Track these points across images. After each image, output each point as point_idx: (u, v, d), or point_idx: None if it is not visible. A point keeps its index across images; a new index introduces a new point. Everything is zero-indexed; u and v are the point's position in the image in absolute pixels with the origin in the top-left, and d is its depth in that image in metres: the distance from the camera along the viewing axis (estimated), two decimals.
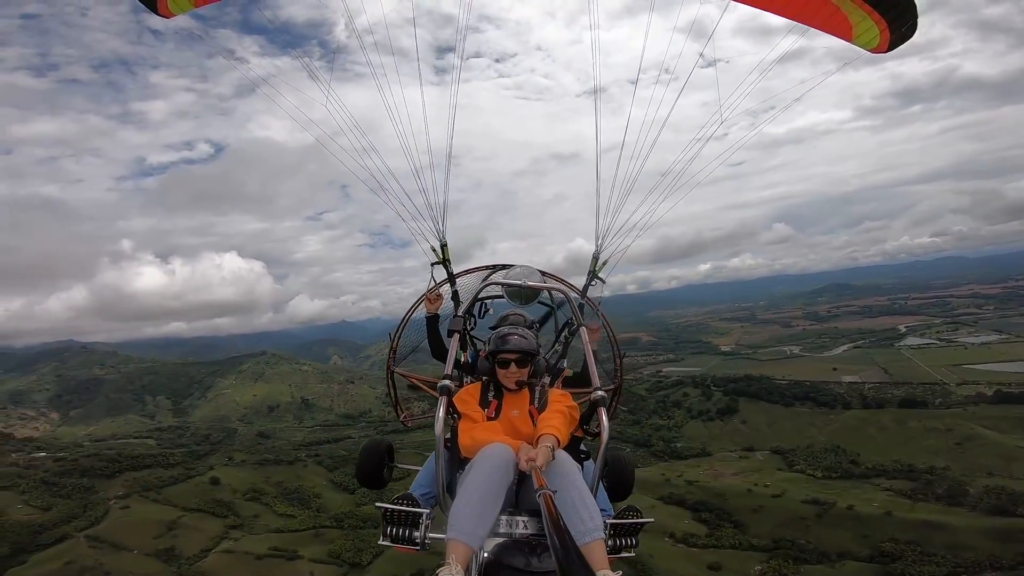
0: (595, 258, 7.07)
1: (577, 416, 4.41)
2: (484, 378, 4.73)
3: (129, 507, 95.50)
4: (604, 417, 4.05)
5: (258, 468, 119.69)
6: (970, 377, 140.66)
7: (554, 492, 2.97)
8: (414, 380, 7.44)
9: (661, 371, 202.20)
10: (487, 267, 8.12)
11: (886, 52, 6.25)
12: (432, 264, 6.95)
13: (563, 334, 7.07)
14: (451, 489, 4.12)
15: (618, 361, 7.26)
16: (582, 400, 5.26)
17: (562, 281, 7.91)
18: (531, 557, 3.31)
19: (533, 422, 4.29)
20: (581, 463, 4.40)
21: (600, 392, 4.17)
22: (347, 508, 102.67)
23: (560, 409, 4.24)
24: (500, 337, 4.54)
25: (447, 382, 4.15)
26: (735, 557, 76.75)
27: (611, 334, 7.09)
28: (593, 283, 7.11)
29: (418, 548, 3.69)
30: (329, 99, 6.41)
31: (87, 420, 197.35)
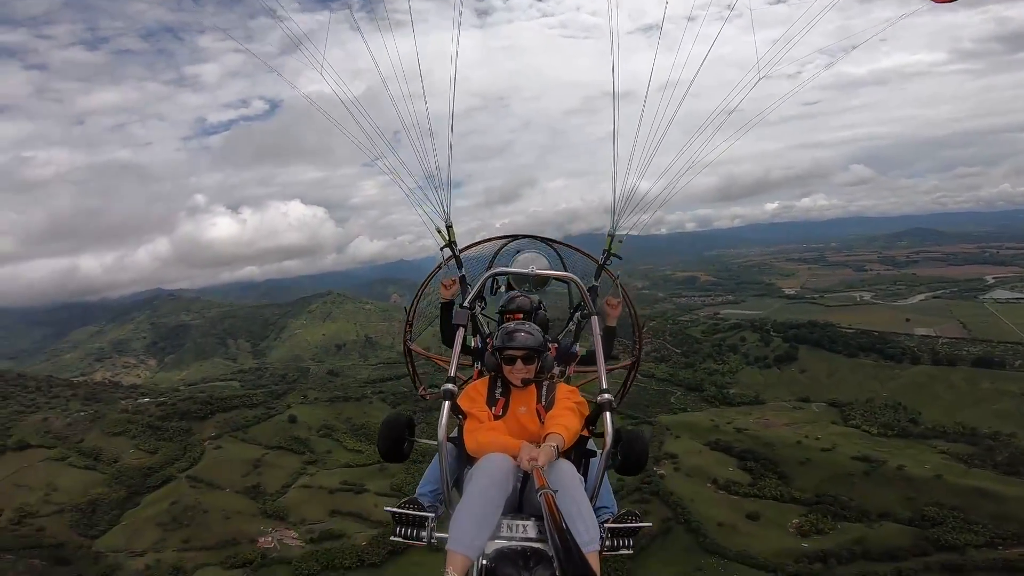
0: (610, 236, 6.55)
1: (586, 412, 4.36)
2: (491, 373, 4.76)
3: (221, 447, 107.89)
4: (609, 422, 4.04)
5: (330, 405, 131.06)
6: None
7: (555, 492, 3.05)
8: (428, 356, 7.56)
9: (718, 313, 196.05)
10: (498, 238, 7.97)
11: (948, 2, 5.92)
12: (441, 248, 6.70)
13: (575, 316, 6.83)
14: (459, 485, 4.29)
15: (638, 335, 7.07)
16: (589, 379, 5.22)
17: (578, 250, 7.76)
18: (524, 571, 3.38)
19: (540, 420, 4.32)
20: (588, 460, 4.46)
21: (607, 396, 4.13)
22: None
23: (568, 407, 4.26)
24: (506, 333, 4.52)
25: (450, 386, 4.16)
26: (775, 508, 77.79)
27: (631, 307, 6.86)
28: (608, 262, 6.67)
29: (425, 545, 3.93)
30: (325, 67, 5.93)
31: (180, 365, 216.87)
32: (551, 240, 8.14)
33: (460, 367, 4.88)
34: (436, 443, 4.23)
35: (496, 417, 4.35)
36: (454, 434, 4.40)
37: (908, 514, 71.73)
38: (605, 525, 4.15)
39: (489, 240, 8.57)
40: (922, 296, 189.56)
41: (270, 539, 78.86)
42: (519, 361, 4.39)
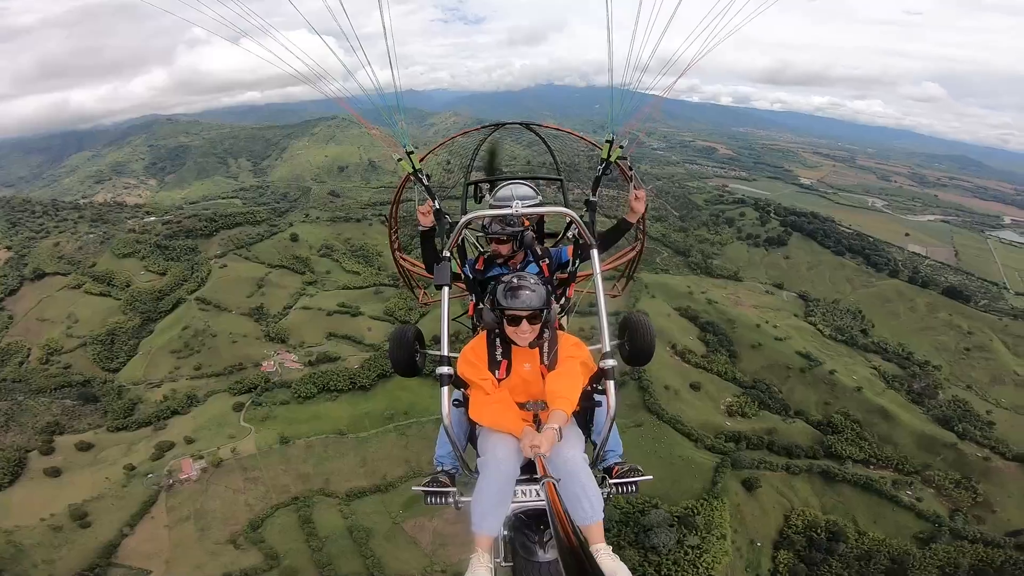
0: (608, 142, 5.45)
1: (591, 363, 4.22)
2: (489, 328, 4.37)
3: (226, 266, 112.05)
4: (612, 389, 4.02)
5: (331, 225, 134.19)
6: None
7: (557, 480, 3.15)
8: (412, 272, 7.38)
9: (727, 186, 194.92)
10: (471, 130, 7.41)
11: None
12: (408, 174, 5.90)
13: (569, 233, 6.40)
14: (473, 441, 4.36)
15: (642, 224, 6.46)
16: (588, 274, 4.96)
17: (573, 134, 7.29)
18: (538, 548, 3.77)
19: (544, 379, 4.17)
20: (592, 412, 4.37)
21: (610, 362, 4.04)
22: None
23: (571, 368, 4.08)
24: (509, 289, 4.11)
25: (446, 369, 4.12)
26: (716, 383, 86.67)
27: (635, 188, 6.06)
28: (607, 173, 5.64)
29: (454, 508, 4.13)
30: None
31: (181, 184, 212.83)
32: (536, 125, 7.19)
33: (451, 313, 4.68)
34: (446, 355, 4.23)
35: (499, 380, 4.21)
36: (458, 396, 4.31)
37: (819, 417, 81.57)
38: (610, 480, 4.28)
39: (459, 135, 7.86)
40: (932, 216, 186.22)
41: (272, 363, 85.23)
42: (524, 322, 4.07)
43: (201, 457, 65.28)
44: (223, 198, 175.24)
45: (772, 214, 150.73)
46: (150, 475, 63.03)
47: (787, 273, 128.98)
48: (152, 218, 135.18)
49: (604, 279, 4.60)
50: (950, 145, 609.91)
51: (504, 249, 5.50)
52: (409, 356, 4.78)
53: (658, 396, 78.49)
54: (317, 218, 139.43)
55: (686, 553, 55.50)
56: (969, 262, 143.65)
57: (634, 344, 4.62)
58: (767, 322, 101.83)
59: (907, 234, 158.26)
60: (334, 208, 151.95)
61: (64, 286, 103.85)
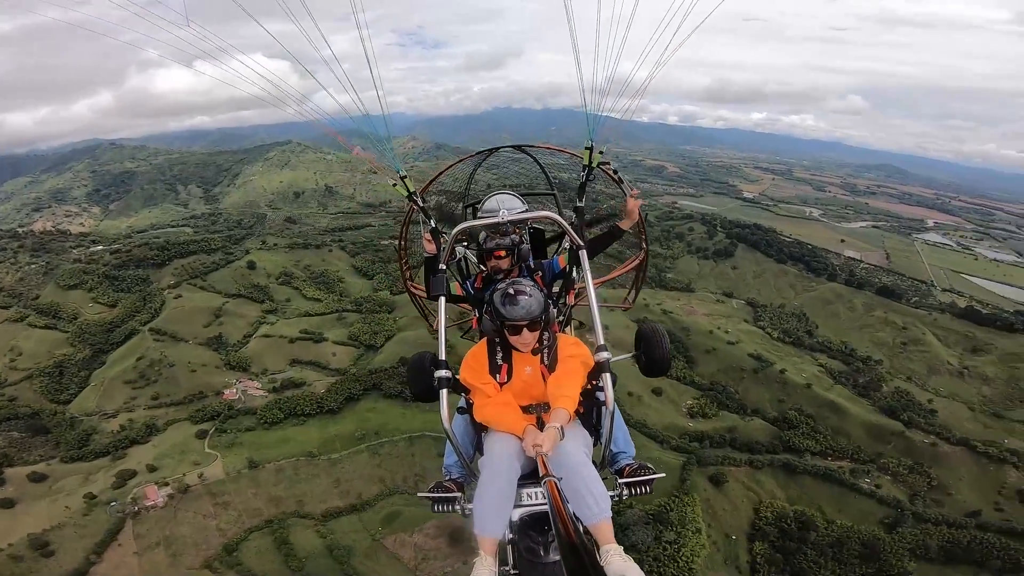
0: (588, 149, 5.62)
1: (591, 363, 4.20)
2: (490, 335, 4.40)
3: (181, 296, 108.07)
4: (609, 383, 3.98)
5: (289, 252, 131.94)
6: (959, 286, 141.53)
7: (559, 479, 3.14)
8: (421, 301, 7.29)
9: (676, 203, 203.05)
10: (468, 157, 7.58)
11: None
12: (405, 198, 6.02)
13: (563, 244, 6.49)
14: (480, 447, 4.37)
15: (643, 231, 6.64)
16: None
17: (556, 149, 7.55)
18: (543, 549, 3.70)
19: (545, 380, 4.21)
20: (598, 409, 4.31)
21: (604, 355, 4.00)
22: (366, 293, 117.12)
23: (572, 367, 4.16)
24: (505, 297, 4.16)
25: (444, 372, 4.10)
26: (677, 388, 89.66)
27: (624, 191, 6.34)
28: (591, 179, 5.87)
29: (461, 515, 4.09)
30: None
31: (127, 212, 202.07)
32: (526, 146, 7.54)
33: (455, 326, 4.74)
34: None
35: (502, 384, 4.24)
36: (462, 403, 4.36)
37: (774, 414, 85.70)
38: (620, 480, 4.17)
39: (456, 163, 7.92)
40: (864, 223, 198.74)
41: (235, 391, 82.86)
42: (525, 330, 4.14)
43: (167, 484, 63.02)
44: (173, 226, 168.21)
45: (719, 228, 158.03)
46: (113, 503, 60.37)
47: (735, 282, 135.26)
48: (99, 247, 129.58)
49: (613, 286, 4.45)
50: (876, 155, 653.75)
51: (504, 263, 5.54)
52: (428, 381, 4.57)
53: (623, 402, 79.71)
54: (275, 245, 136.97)
55: (664, 549, 57.21)
56: (899, 263, 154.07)
57: (650, 355, 4.57)
58: (719, 328, 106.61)
59: (842, 240, 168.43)
60: (291, 235, 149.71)
61: (5, 319, 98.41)
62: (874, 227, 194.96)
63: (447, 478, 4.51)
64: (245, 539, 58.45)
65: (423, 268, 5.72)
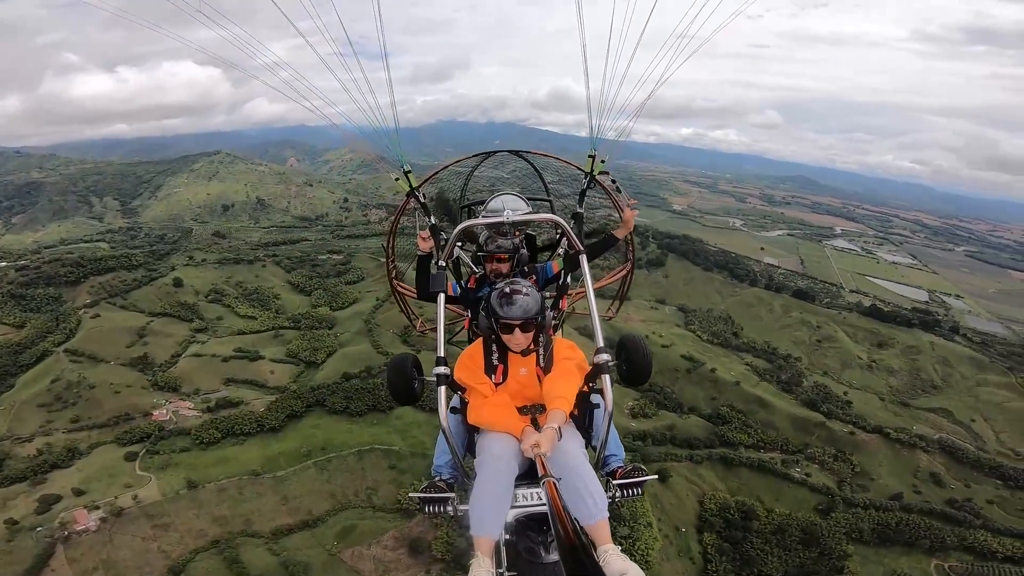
0: (591, 157, 6.03)
1: (586, 366, 4.28)
2: (485, 334, 4.44)
3: (99, 315, 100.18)
4: (608, 384, 4.03)
5: (219, 268, 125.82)
6: (864, 287, 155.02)
7: (558, 479, 3.11)
8: (414, 296, 6.88)
9: (611, 215, 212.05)
10: (466, 157, 7.60)
11: None
12: (407, 194, 6.05)
13: (558, 250, 6.55)
14: (472, 449, 4.38)
15: (630, 241, 6.84)
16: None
17: (556, 158, 7.61)
18: (542, 550, 3.73)
19: (540, 382, 4.24)
20: (591, 415, 4.38)
21: (604, 356, 4.02)
22: (304, 309, 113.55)
23: (567, 369, 4.21)
24: (502, 296, 4.19)
25: (442, 369, 4.10)
26: (618, 391, 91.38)
27: (619, 211, 6.40)
28: (592, 186, 6.25)
29: (452, 517, 4.11)
30: None
31: (32, 226, 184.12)
32: (526, 152, 7.58)
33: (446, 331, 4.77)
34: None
35: (497, 384, 4.27)
36: (456, 403, 4.34)
37: (708, 411, 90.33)
38: (614, 482, 4.23)
39: (453, 163, 7.87)
40: (780, 232, 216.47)
41: (165, 411, 78.32)
42: (517, 330, 4.14)
43: (97, 507, 58.65)
44: (87, 241, 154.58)
45: (651, 239, 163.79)
46: (39, 528, 55.64)
47: (667, 290, 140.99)
48: (2, 263, 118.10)
49: (597, 297, 4.77)
50: (791, 167, 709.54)
51: (504, 267, 5.61)
52: (408, 383, 4.66)
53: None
54: (203, 261, 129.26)
55: (620, 544, 58.86)
56: (812, 268, 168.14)
57: (632, 364, 4.60)
58: (654, 332, 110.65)
59: (762, 248, 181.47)
60: (221, 250, 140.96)
61: None
62: (789, 235, 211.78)
63: (437, 478, 4.48)
64: (192, 560, 55.27)
65: (417, 266, 5.53)
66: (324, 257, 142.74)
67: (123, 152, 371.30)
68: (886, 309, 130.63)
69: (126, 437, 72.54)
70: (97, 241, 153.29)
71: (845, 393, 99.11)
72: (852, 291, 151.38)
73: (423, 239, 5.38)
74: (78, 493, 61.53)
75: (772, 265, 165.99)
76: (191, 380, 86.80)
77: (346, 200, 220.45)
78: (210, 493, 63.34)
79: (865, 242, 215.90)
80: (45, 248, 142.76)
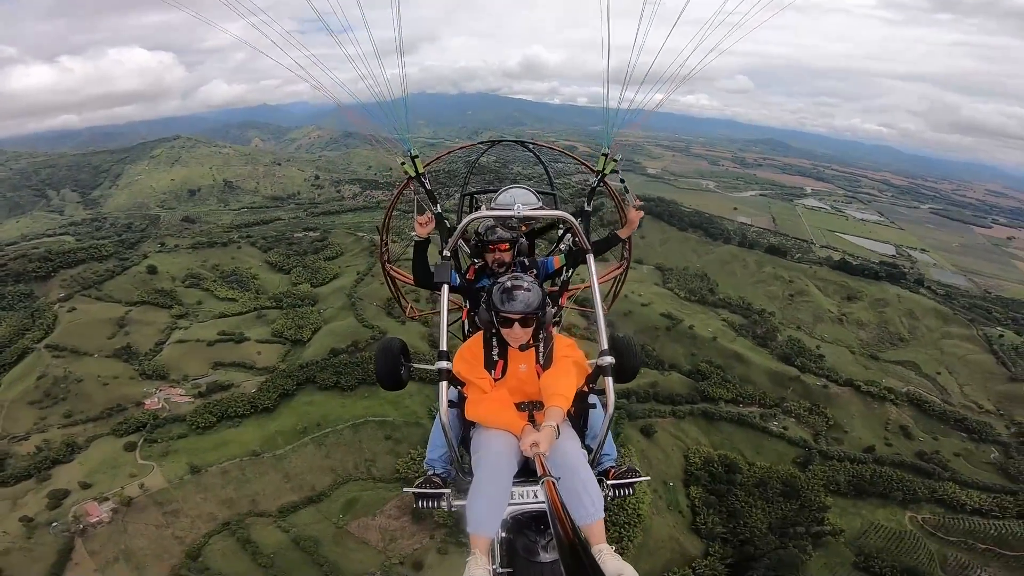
0: (604, 156, 5.95)
1: (585, 364, 4.33)
2: (485, 328, 4.33)
3: (75, 308, 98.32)
4: (610, 386, 4.02)
5: (193, 252, 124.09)
6: (833, 243, 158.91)
7: (557, 479, 3.06)
8: (406, 280, 6.88)
9: (587, 180, 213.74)
10: (470, 144, 7.53)
11: None
12: (408, 178, 5.87)
13: (565, 245, 6.48)
14: (466, 443, 4.30)
15: (628, 244, 6.78)
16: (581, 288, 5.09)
17: (566, 154, 7.60)
18: (540, 549, 3.71)
19: (539, 379, 4.21)
20: (587, 414, 4.40)
21: (608, 359, 4.05)
22: (284, 288, 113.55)
23: (566, 367, 4.19)
24: (504, 291, 4.10)
25: (444, 363, 4.10)
26: (596, 349, 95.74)
27: (621, 210, 6.43)
28: (601, 185, 6.24)
29: (447, 512, 4.10)
30: None
31: None
32: (531, 143, 7.53)
33: (434, 313, 4.98)
34: (431, 368, 4.20)
35: (496, 380, 4.24)
36: (453, 396, 4.28)
37: (688, 367, 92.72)
38: (607, 481, 4.35)
39: (458, 148, 7.87)
40: (753, 192, 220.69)
41: (156, 400, 78.63)
42: (517, 324, 4.08)
43: (107, 499, 59.73)
44: (50, 235, 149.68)
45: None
46: (55, 524, 56.68)
47: (644, 250, 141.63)
48: None
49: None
50: (762, 130, 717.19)
51: (507, 256, 5.62)
52: (394, 369, 4.68)
53: None
54: (176, 247, 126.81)
55: (613, 499, 61.88)
56: (784, 226, 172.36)
57: (619, 362, 4.42)
58: (633, 292, 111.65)
59: (735, 208, 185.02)
60: (193, 234, 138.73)
61: None
62: (761, 195, 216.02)
63: (431, 472, 4.49)
64: (206, 543, 56.86)
65: (413, 252, 5.35)
66: (300, 235, 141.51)
67: (74, 143, 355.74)
68: (855, 263, 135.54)
69: (122, 428, 72.82)
70: (61, 234, 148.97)
71: (818, 347, 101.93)
72: (823, 246, 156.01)
73: (420, 224, 5.23)
74: (85, 486, 62.31)
75: (745, 224, 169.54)
76: (178, 367, 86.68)
77: (317, 177, 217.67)
78: (214, 476, 64.61)
79: (835, 201, 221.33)
80: (7, 245, 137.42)
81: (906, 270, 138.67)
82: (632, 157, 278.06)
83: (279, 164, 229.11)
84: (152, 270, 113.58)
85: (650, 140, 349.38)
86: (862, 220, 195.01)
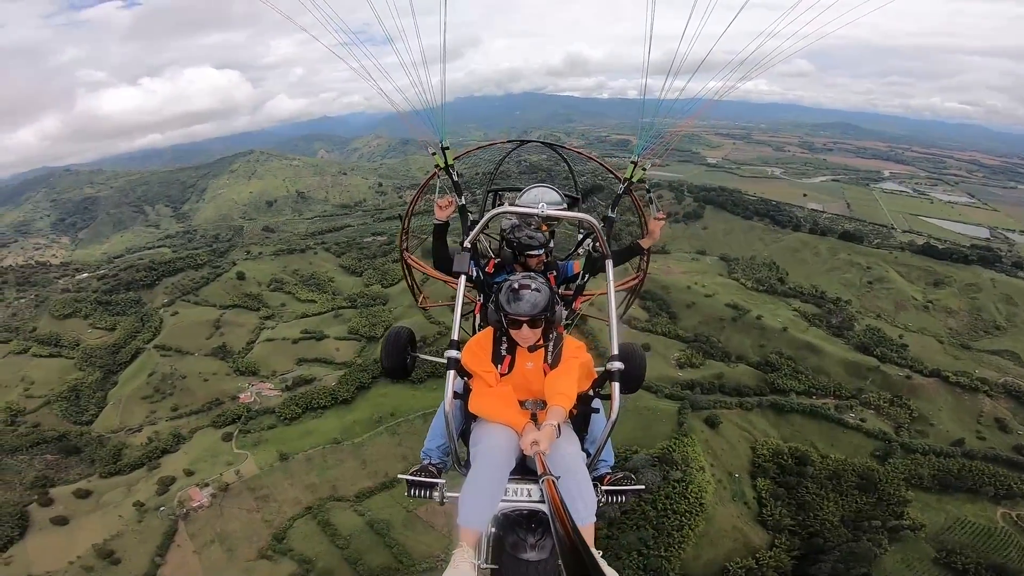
0: (633, 164, 5.84)
1: (591, 368, 4.34)
2: (495, 325, 4.34)
3: (177, 312, 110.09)
4: (616, 392, 4.01)
5: (275, 259, 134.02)
6: (917, 227, 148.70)
7: (557, 478, 3.07)
8: (424, 270, 7.02)
9: (645, 171, 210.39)
10: (499, 143, 7.55)
11: None
12: (437, 168, 5.83)
13: (585, 248, 6.50)
14: (465, 436, 4.30)
15: (647, 256, 6.77)
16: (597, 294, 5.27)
17: (593, 159, 7.53)
18: (528, 547, 3.64)
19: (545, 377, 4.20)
20: (588, 418, 4.35)
21: (617, 364, 4.04)
22: (358, 289, 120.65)
23: (572, 368, 4.18)
24: (512, 291, 4.08)
25: (454, 353, 4.11)
26: (664, 342, 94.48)
27: (643, 221, 6.41)
28: (627, 193, 6.17)
29: (438, 503, 4.01)
30: None
31: (97, 239, 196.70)
32: (560, 146, 7.60)
33: (446, 305, 5.11)
34: (439, 360, 4.26)
35: (502, 375, 4.23)
36: (458, 387, 4.25)
37: (756, 359, 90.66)
38: (602, 487, 4.22)
39: (488, 144, 8.03)
40: (824, 178, 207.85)
41: (249, 394, 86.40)
42: (525, 326, 4.06)
43: (207, 485, 66.33)
44: (150, 248, 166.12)
45: (686, 192, 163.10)
46: (162, 508, 63.57)
47: (707, 241, 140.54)
48: (84, 275, 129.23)
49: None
50: (830, 113, 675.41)
51: (534, 261, 5.59)
52: (400, 359, 4.71)
53: None
54: (260, 254, 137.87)
55: (674, 487, 60.96)
56: (860, 211, 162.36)
57: (626, 370, 4.36)
58: (696, 283, 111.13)
59: (804, 195, 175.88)
60: (273, 243, 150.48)
61: (8, 352, 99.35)
62: (834, 180, 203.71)
63: (427, 462, 4.46)
64: (290, 527, 61.88)
65: (433, 236, 5.47)
66: (369, 239, 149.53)
67: (161, 161, 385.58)
68: (941, 247, 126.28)
69: (220, 420, 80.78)
70: (159, 247, 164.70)
71: (900, 336, 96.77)
72: (904, 231, 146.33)
73: (440, 207, 5.27)
74: (188, 474, 69.41)
75: (817, 210, 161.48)
76: (267, 363, 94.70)
77: (380, 184, 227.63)
78: (299, 463, 70.12)
79: (917, 183, 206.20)
80: (115, 258, 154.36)
81: (1002, 253, 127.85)
82: (690, 147, 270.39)
83: (344, 174, 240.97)
84: (241, 276, 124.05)
85: (707, 129, 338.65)
86: (949, 203, 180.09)
